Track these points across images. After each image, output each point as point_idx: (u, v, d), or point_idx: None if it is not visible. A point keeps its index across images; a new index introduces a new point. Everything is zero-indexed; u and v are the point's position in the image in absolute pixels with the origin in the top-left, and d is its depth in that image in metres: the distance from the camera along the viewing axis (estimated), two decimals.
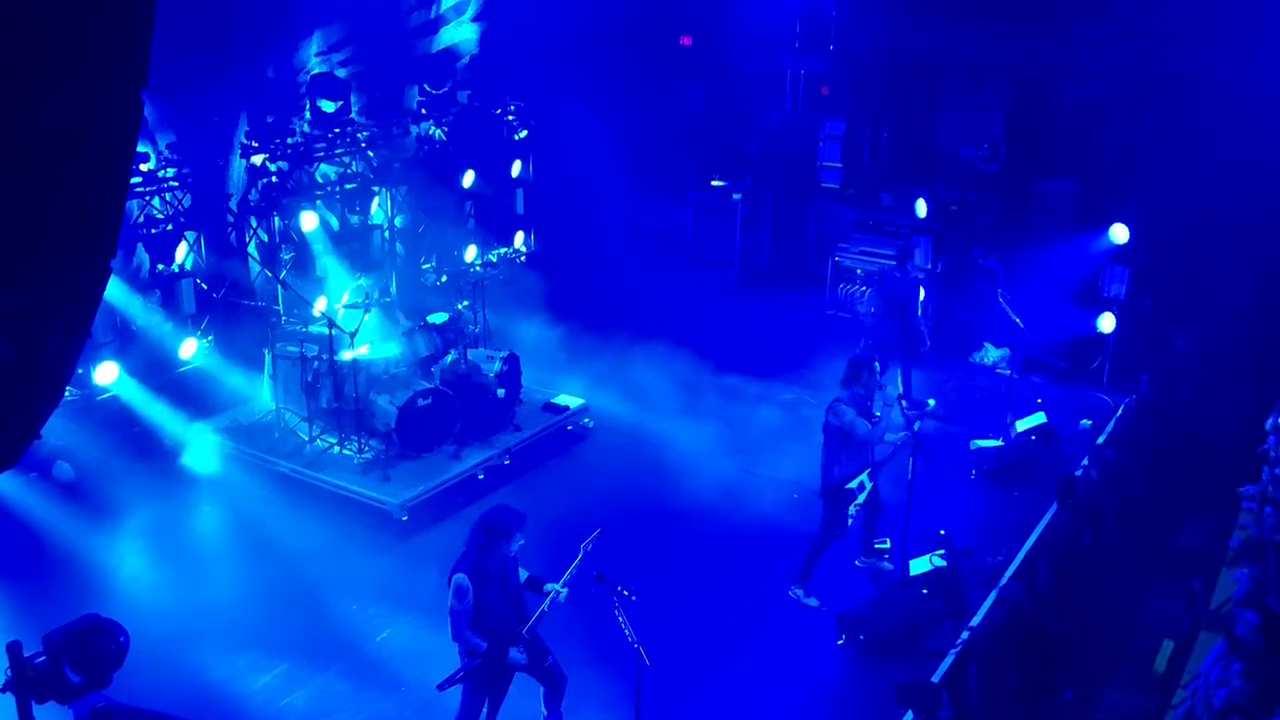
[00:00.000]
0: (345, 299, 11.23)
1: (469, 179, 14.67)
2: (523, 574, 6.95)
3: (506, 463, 11.23)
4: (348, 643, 8.59)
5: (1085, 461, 10.70)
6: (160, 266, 11.55)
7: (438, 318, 11.72)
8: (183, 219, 11.70)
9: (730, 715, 7.87)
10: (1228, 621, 6.96)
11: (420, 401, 10.84)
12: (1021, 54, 13.77)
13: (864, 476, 8.97)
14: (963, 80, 14.81)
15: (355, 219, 13.42)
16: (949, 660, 8.28)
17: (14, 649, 4.35)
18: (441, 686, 6.76)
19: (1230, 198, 12.12)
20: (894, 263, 12.70)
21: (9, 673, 4.38)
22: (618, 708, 7.30)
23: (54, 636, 4.52)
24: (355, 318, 10.79)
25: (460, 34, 14.89)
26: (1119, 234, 12.97)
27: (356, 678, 8.18)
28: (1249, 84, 12.01)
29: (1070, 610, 8.22)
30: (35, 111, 1.94)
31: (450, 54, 14.81)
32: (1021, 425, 11.68)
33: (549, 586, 6.79)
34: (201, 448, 11.20)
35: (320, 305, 11.27)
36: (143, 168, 11.00)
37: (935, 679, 8.03)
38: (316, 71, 12.94)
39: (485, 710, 6.94)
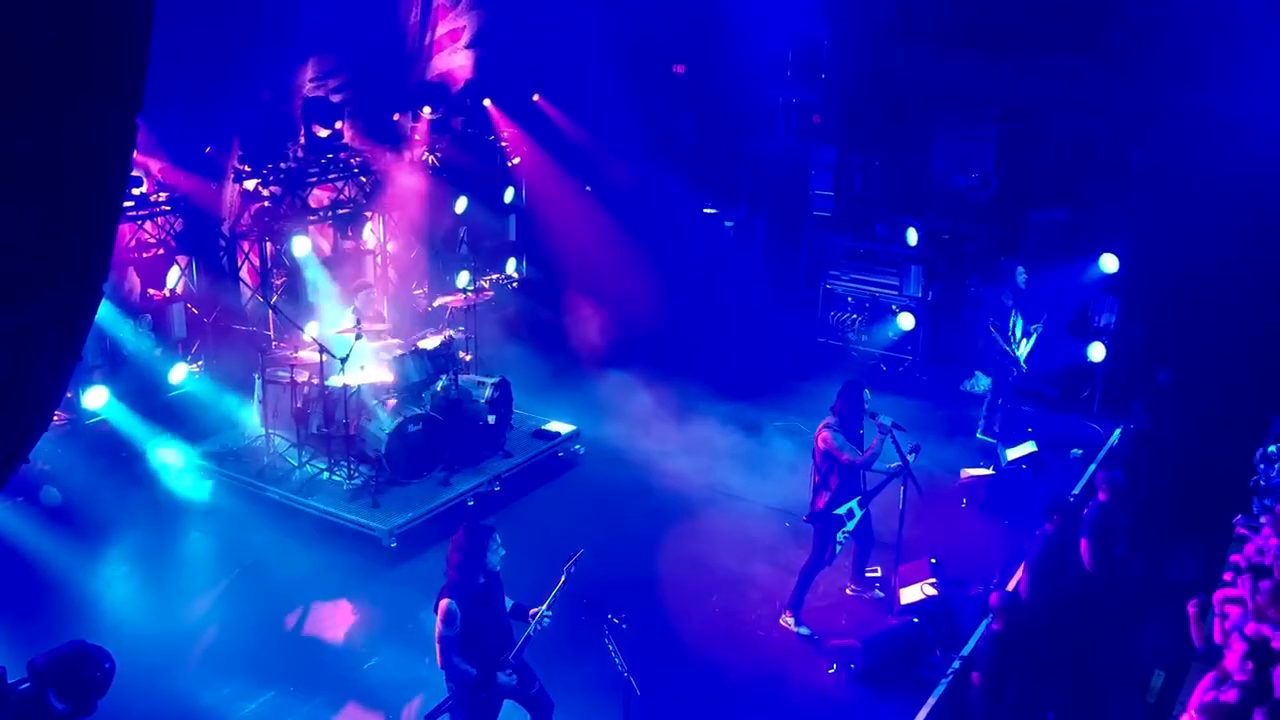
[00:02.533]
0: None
1: (461, 205, 14.69)
2: (508, 602, 6.92)
3: (497, 489, 11.19)
4: (335, 670, 8.52)
5: (1076, 491, 10.71)
6: (151, 290, 11.54)
7: (429, 343, 11.71)
8: (174, 243, 11.71)
9: None
10: (1219, 651, 6.96)
11: (410, 427, 10.82)
12: (1013, 85, 13.88)
13: (854, 504, 8.96)
14: (954, 110, 14.90)
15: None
16: (940, 689, 8.26)
17: None
18: (430, 716, 6.70)
19: (1220, 228, 12.19)
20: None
21: None
22: None
23: (39, 662, 4.49)
24: (347, 343, 10.77)
25: (454, 61, 14.96)
26: (1109, 264, 13.03)
27: (344, 705, 8.11)
28: (1239, 116, 12.11)
29: (1062, 633, 8.20)
30: (30, 134, 1.94)
31: (444, 80, 14.87)
32: (1012, 454, 11.69)
33: (533, 611, 6.76)
34: (190, 473, 11.14)
35: (311, 330, 11.26)
36: (135, 191, 11.00)
37: (928, 707, 8.02)
38: (310, 96, 12.98)
39: None
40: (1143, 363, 12.91)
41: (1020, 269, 12.50)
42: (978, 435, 12.71)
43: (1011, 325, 12.37)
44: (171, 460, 11.12)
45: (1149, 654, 8.51)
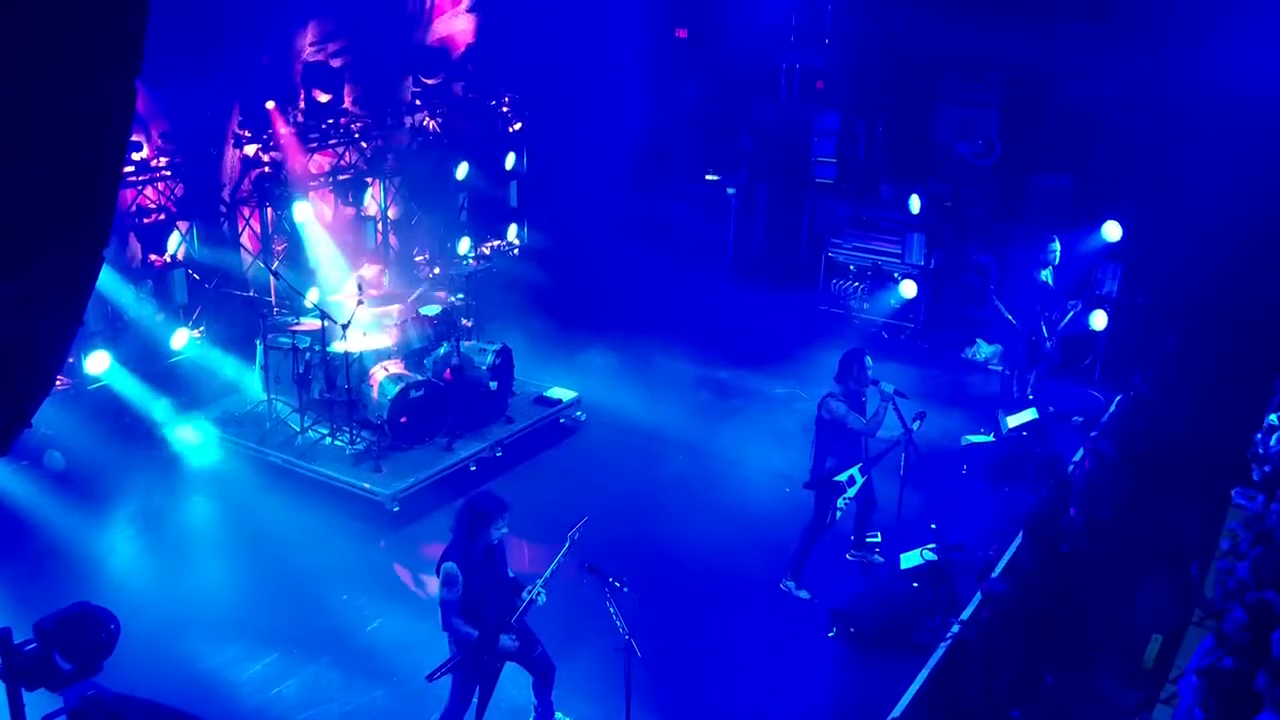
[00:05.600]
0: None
1: (463, 171, 14.64)
2: (510, 574, 6.97)
3: (498, 455, 11.23)
4: (338, 632, 8.59)
5: (1078, 456, 10.74)
6: (152, 256, 11.53)
7: (430, 310, 11.71)
8: (175, 209, 11.68)
9: (720, 707, 7.89)
10: (1218, 615, 7.02)
11: (413, 393, 10.84)
12: (1017, 51, 13.77)
13: (854, 471, 9.00)
14: (958, 76, 14.80)
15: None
16: (939, 653, 8.32)
17: (4, 636, 4.35)
18: (432, 677, 6.78)
19: (1223, 195, 12.14)
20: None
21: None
22: (608, 699, 7.32)
23: (45, 624, 4.52)
24: (348, 309, 10.78)
25: (455, 25, 14.85)
26: (1112, 231, 12.98)
27: (347, 667, 8.19)
28: (1246, 83, 12.02)
29: (1057, 594, 8.27)
30: (28, 99, 1.94)
31: (445, 45, 14.77)
32: (1013, 421, 11.69)
33: (534, 585, 6.80)
34: (193, 438, 11.18)
35: (312, 296, 11.27)
36: (135, 156, 10.97)
37: (926, 671, 8.09)
38: (310, 61, 12.91)
39: (475, 700, 6.96)
40: (1145, 331, 12.90)
41: (1055, 242, 12.12)
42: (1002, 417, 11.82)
43: (1046, 300, 12.14)
44: (188, 435, 11.17)
45: (1146, 618, 8.56)
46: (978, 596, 8.70)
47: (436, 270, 13.55)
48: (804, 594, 9.13)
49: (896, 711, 7.64)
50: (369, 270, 12.08)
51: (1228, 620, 6.67)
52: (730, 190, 16.36)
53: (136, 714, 4.85)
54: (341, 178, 13.40)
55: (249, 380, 11.88)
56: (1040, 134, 14.23)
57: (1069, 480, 9.04)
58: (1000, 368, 13.29)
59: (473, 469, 10.94)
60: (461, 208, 15.25)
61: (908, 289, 14.45)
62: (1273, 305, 12.11)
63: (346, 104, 13.34)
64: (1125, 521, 9.50)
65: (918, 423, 9.04)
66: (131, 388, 11.07)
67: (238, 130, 12.06)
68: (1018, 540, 9.44)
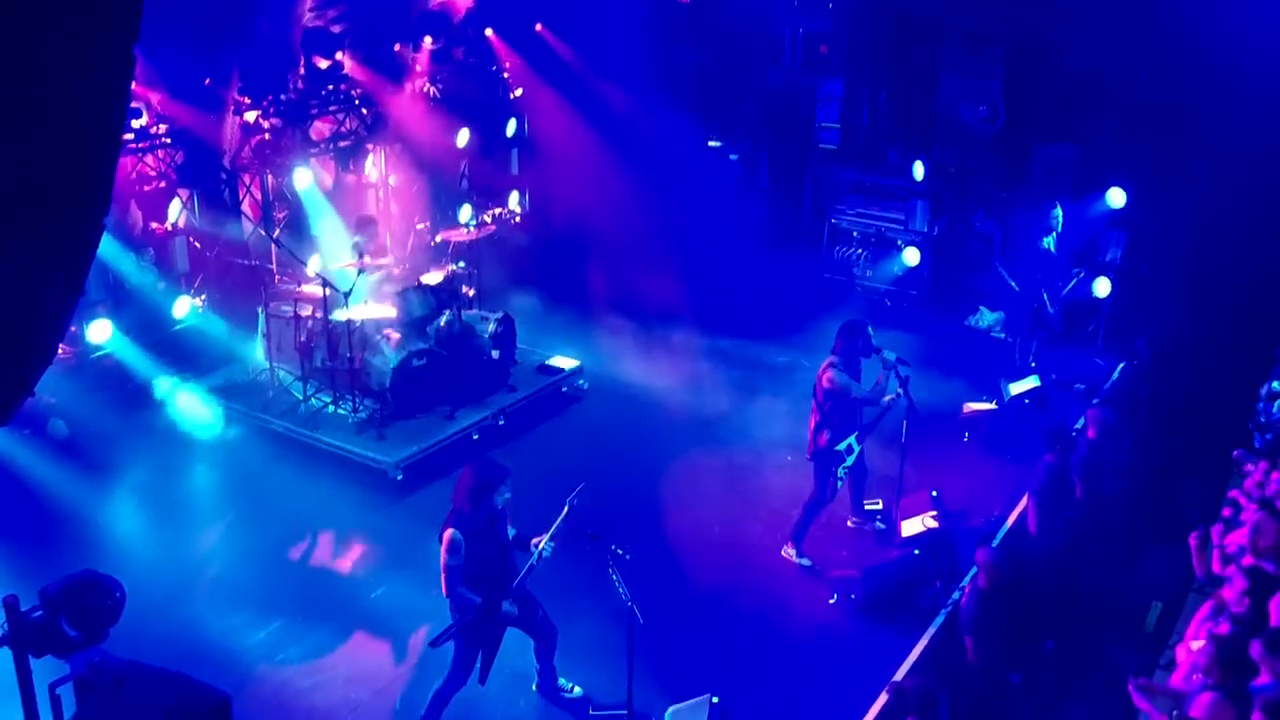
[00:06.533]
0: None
1: (463, 137, 14.56)
2: (510, 531, 7.00)
3: (501, 423, 11.25)
4: (342, 600, 8.65)
5: (1080, 424, 10.75)
6: (153, 224, 11.50)
7: (432, 278, 11.69)
8: (176, 176, 11.64)
9: (722, 672, 7.93)
10: (1218, 582, 7.05)
11: (415, 362, 10.85)
12: (1021, 17, 13.63)
13: (852, 439, 9.02)
14: (962, 42, 14.66)
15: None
16: (939, 620, 8.37)
17: (11, 603, 4.37)
18: (435, 643, 6.84)
19: (1227, 163, 12.07)
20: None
21: (6, 627, 4.41)
22: (610, 664, 7.37)
23: (51, 591, 4.54)
24: (350, 277, 10.76)
25: None
26: (1116, 199, 12.93)
27: (350, 634, 8.25)
28: (1249, 50, 11.91)
29: (1060, 560, 8.30)
30: (27, 67, 1.92)
31: (445, 9, 14.65)
32: (1015, 388, 11.70)
33: (536, 540, 6.84)
34: (195, 406, 11.20)
35: (314, 264, 11.24)
36: (135, 124, 10.92)
37: (927, 637, 8.14)
38: (310, 27, 12.81)
39: (478, 664, 7.01)
40: (1148, 298, 12.87)
41: (1057, 208, 12.16)
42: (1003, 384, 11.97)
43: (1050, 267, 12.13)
44: (191, 403, 11.18)
45: (1148, 584, 8.60)
46: (969, 576, 8.75)
47: (438, 238, 13.50)
48: (805, 561, 9.17)
49: (897, 676, 7.69)
50: (360, 238, 12.03)
51: (1226, 587, 6.70)
52: (733, 157, 16.29)
53: (142, 680, 4.88)
54: (342, 144, 13.34)
55: (251, 348, 11.88)
56: (1045, 102, 14.11)
57: (1073, 447, 9.07)
58: (1003, 335, 13.28)
59: (475, 437, 10.95)
60: (462, 175, 15.18)
61: (911, 256, 14.41)
62: (1275, 272, 12.06)
63: (346, 70, 13.25)
64: (1127, 488, 9.51)
65: (901, 390, 9.05)
66: (134, 356, 11.07)
67: (237, 97, 12.00)
68: (1019, 507, 9.49)
